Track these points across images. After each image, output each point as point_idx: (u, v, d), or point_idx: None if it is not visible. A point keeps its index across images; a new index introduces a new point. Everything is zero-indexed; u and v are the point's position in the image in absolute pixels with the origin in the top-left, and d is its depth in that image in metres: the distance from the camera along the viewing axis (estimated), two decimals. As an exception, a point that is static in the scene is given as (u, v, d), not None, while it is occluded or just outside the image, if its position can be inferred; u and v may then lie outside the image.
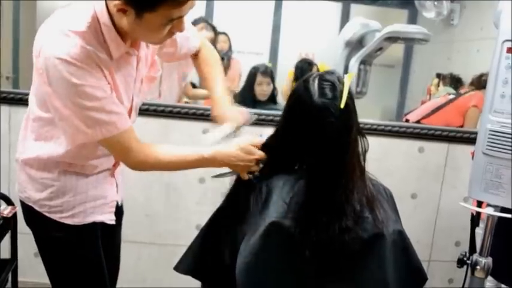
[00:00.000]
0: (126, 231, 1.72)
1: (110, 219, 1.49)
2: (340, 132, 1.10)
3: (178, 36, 1.46)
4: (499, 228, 1.64)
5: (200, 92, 3.24)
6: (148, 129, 2.32)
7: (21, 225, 1.87)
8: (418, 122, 2.88)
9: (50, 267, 1.48)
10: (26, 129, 1.38)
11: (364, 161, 1.16)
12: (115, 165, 1.49)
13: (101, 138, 1.23)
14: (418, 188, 2.63)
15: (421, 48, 4.44)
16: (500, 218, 1.61)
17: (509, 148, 1.55)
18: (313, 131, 1.11)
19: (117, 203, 1.54)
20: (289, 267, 1.12)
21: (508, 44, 1.55)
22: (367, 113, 2.50)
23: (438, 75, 4.19)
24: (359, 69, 2.58)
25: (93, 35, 1.18)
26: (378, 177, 1.23)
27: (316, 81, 1.12)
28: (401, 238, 1.16)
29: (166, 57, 1.56)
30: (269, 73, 3.18)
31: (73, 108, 1.19)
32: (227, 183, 1.33)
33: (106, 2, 1.17)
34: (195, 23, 2.97)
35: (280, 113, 1.25)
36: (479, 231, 1.73)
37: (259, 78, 3.13)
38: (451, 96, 3.06)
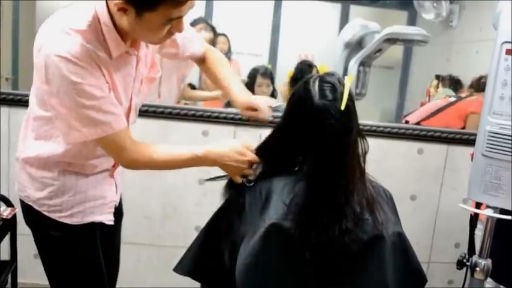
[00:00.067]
0: (126, 233, 1.72)
1: (108, 219, 1.49)
2: (341, 134, 1.10)
3: (181, 38, 1.47)
4: (499, 230, 1.64)
5: (198, 93, 3.24)
6: (148, 130, 2.32)
7: (21, 227, 1.87)
8: (417, 123, 2.88)
9: (49, 267, 1.48)
10: (27, 128, 1.39)
11: (364, 162, 1.17)
12: (114, 166, 1.49)
13: (96, 137, 1.24)
14: (418, 189, 2.63)
15: (420, 50, 4.44)
16: (499, 219, 1.61)
17: (509, 150, 1.55)
18: (314, 133, 1.11)
19: (116, 203, 1.54)
20: (289, 268, 1.12)
21: (507, 46, 1.55)
22: (366, 115, 2.50)
23: (437, 77, 4.20)
24: (358, 71, 2.57)
25: (93, 34, 1.19)
26: (377, 179, 1.24)
27: (317, 83, 1.12)
28: (401, 240, 1.16)
29: (168, 57, 1.57)
30: (269, 74, 3.19)
31: (70, 107, 1.20)
32: (227, 184, 1.33)
33: (107, 2, 1.19)
34: (194, 23, 2.97)
35: (280, 114, 1.25)
36: (478, 232, 1.73)
37: (259, 79, 3.14)
38: (452, 99, 3.05)
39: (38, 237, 1.46)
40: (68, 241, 1.43)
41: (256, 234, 1.11)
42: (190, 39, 1.53)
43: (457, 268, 1.70)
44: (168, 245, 2.54)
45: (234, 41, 3.76)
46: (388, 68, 4.87)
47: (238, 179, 1.26)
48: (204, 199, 2.49)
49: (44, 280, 1.50)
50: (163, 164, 1.36)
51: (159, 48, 1.48)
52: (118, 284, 1.71)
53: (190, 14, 1.21)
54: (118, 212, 1.58)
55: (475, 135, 1.65)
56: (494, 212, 1.61)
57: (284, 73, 3.61)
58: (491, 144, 1.58)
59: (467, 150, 2.43)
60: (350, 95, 1.11)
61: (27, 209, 1.43)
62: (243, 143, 1.29)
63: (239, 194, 1.23)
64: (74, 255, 1.45)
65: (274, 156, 1.25)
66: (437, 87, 4.09)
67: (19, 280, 2.17)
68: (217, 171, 1.33)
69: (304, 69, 3.35)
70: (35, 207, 1.40)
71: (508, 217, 1.58)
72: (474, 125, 2.85)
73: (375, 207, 1.13)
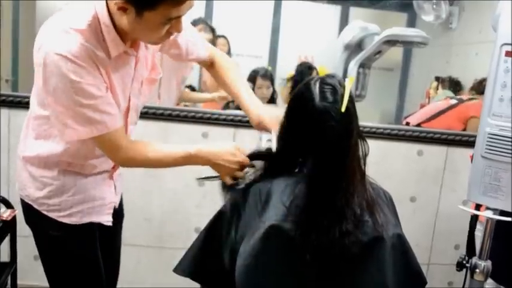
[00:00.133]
0: (126, 234, 1.72)
1: (107, 220, 1.50)
2: (341, 136, 1.10)
3: (185, 41, 1.48)
4: (499, 231, 1.64)
5: (196, 95, 3.24)
6: (148, 132, 2.33)
7: (21, 229, 1.87)
8: (418, 125, 2.88)
9: (48, 267, 1.49)
10: (28, 127, 1.41)
11: (365, 164, 1.17)
12: (114, 168, 1.50)
13: (91, 136, 1.25)
14: (417, 191, 2.63)
15: (420, 52, 4.45)
16: (499, 220, 1.61)
17: (508, 151, 1.55)
18: (314, 135, 1.11)
19: (116, 205, 1.55)
20: (289, 270, 1.12)
21: (507, 48, 1.55)
22: (366, 116, 2.50)
23: (437, 79, 4.20)
24: (358, 73, 2.57)
25: (93, 33, 1.21)
26: (377, 181, 1.24)
27: (317, 85, 1.12)
28: (401, 242, 1.17)
29: (172, 57, 1.57)
30: (269, 76, 3.19)
31: (67, 105, 1.21)
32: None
33: (107, 2, 1.20)
34: (194, 24, 2.97)
35: (272, 146, 1.26)
36: (478, 234, 1.73)
37: (259, 81, 3.14)
38: (453, 101, 3.05)
39: (38, 237, 1.47)
40: (67, 241, 1.44)
41: (255, 235, 1.11)
42: (195, 42, 1.53)
43: (457, 270, 1.70)
44: (168, 247, 2.54)
45: (234, 42, 3.76)
46: (388, 70, 4.87)
47: (228, 180, 1.28)
48: (203, 201, 2.49)
49: (44, 282, 1.50)
50: (158, 162, 1.38)
51: (160, 49, 1.48)
52: (118, 285, 1.71)
53: (190, 15, 1.22)
54: (119, 214, 1.59)
55: (475, 137, 1.65)
56: (494, 214, 1.61)
57: (284, 75, 3.62)
58: (491, 145, 1.58)
59: (467, 152, 2.43)
60: (350, 97, 1.11)
61: (27, 208, 1.44)
62: (235, 145, 1.32)
63: (239, 196, 1.23)
64: (73, 254, 1.46)
65: (274, 157, 1.25)
66: (437, 89, 4.09)
67: (19, 282, 2.17)
68: (211, 172, 1.35)
69: (304, 71, 3.35)
70: (35, 206, 1.41)
71: (508, 218, 1.58)
72: (474, 129, 2.83)
73: (375, 209, 1.14)
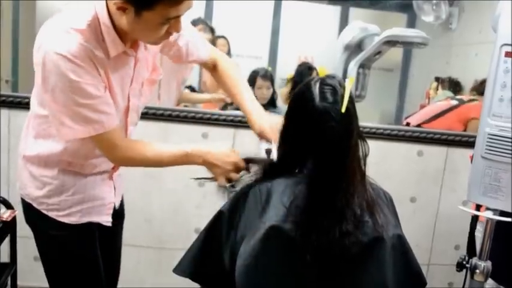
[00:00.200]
0: (126, 235, 1.72)
1: (106, 221, 1.50)
2: (341, 137, 1.10)
3: (185, 42, 1.48)
4: (499, 232, 1.64)
5: (195, 96, 3.24)
6: (148, 132, 2.31)
7: (21, 229, 1.87)
8: (418, 126, 2.88)
9: (48, 266, 1.49)
10: (28, 127, 1.42)
11: (365, 165, 1.17)
12: (114, 168, 1.50)
13: (87, 135, 1.26)
14: (417, 191, 2.63)
15: (420, 52, 4.45)
16: (499, 221, 1.61)
17: (508, 152, 1.55)
18: (314, 135, 1.11)
19: (115, 205, 1.55)
20: (290, 270, 1.12)
21: (507, 48, 1.55)
22: (365, 117, 2.50)
23: (437, 79, 4.20)
24: (358, 73, 2.57)
25: (92, 33, 1.21)
26: (377, 181, 1.24)
27: (317, 85, 1.12)
28: (401, 242, 1.17)
29: (172, 58, 1.57)
30: (269, 77, 3.19)
31: (65, 104, 1.22)
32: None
33: (106, 3, 1.20)
34: (193, 23, 2.97)
35: (273, 156, 1.27)
36: (478, 234, 1.73)
37: (259, 82, 3.14)
38: (454, 102, 3.05)
39: (38, 237, 1.48)
40: (66, 240, 1.44)
41: (256, 236, 1.11)
42: (195, 43, 1.53)
43: (457, 270, 1.70)
44: (168, 247, 2.54)
45: (234, 43, 3.76)
46: (388, 70, 4.87)
47: (223, 181, 1.29)
48: (203, 201, 2.49)
49: (44, 283, 1.50)
50: (156, 161, 1.39)
51: (160, 50, 1.48)
52: (118, 285, 1.71)
53: (190, 15, 1.22)
54: (119, 214, 1.59)
55: (475, 137, 1.65)
56: (494, 214, 1.61)
57: (284, 75, 3.62)
58: (491, 146, 1.58)
59: (467, 152, 2.43)
60: (350, 97, 1.11)
61: (27, 207, 1.45)
62: (230, 148, 1.35)
63: (239, 196, 1.23)
64: (72, 254, 1.46)
65: (270, 164, 1.26)
66: (437, 90, 4.10)
67: (19, 282, 2.16)
68: (207, 174, 1.36)
69: (304, 72, 3.35)
70: (35, 205, 1.42)
71: (508, 219, 1.58)
72: (475, 130, 2.82)
73: (375, 210, 1.14)
